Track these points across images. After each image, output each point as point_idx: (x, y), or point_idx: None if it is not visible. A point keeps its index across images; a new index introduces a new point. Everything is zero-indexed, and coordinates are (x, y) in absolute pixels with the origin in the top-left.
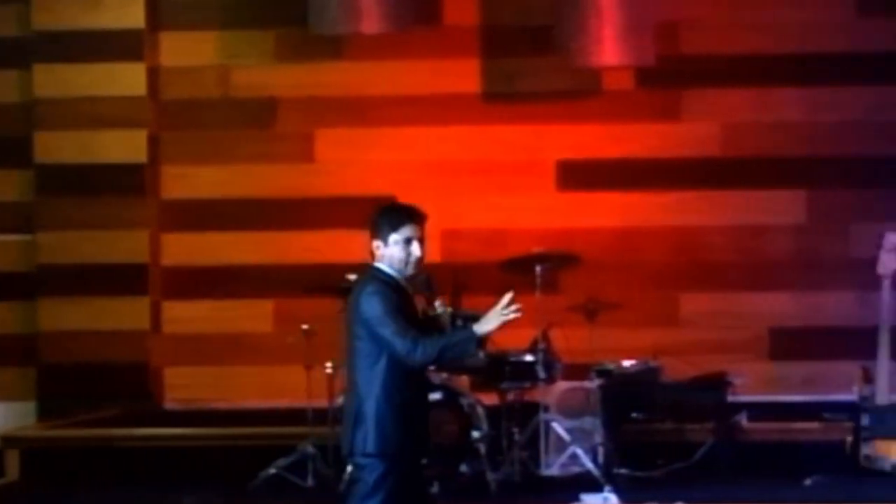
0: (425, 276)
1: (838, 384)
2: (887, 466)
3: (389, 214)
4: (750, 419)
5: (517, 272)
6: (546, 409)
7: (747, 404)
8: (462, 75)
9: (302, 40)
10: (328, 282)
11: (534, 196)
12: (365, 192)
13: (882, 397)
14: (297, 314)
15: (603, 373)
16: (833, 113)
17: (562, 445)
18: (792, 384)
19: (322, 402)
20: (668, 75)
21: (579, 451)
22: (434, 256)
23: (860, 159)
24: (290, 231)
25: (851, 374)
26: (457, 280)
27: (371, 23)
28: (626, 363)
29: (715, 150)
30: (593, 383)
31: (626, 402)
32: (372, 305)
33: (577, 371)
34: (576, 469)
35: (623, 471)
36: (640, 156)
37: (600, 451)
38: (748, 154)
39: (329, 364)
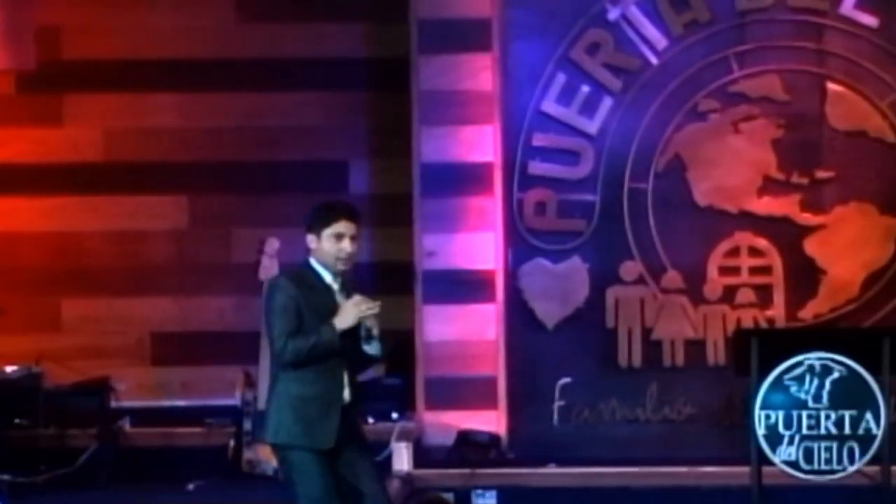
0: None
1: (220, 389)
2: (269, 470)
3: (324, 210)
4: (133, 424)
5: None
6: None
7: (130, 410)
8: None
9: None
10: None
11: None
12: None
13: (264, 402)
14: None
15: None
16: (211, 119)
17: None
18: (174, 389)
19: None
20: (50, 80)
21: None
22: None
23: (239, 165)
24: None
25: (233, 378)
26: None
27: None
28: (8, 369)
29: (97, 155)
30: None
31: (8, 408)
32: (267, 299)
33: None
34: None
35: (6, 477)
36: (21, 161)
37: None
38: (130, 159)
39: None
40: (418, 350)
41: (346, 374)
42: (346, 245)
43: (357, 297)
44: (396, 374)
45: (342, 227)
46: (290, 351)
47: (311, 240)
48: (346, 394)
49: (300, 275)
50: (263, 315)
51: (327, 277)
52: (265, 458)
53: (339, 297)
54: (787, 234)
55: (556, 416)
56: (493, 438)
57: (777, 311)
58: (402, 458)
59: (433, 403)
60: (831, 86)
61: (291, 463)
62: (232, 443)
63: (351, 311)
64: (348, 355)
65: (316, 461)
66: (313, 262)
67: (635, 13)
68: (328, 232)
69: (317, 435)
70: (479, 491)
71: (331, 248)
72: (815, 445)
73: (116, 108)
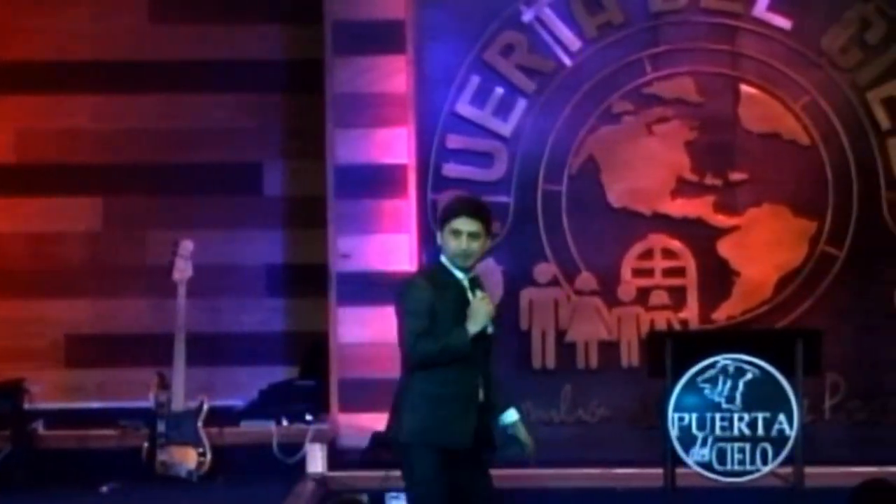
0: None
1: (135, 391)
2: (183, 473)
3: (448, 205)
4: (47, 427)
5: None
6: None
7: (44, 412)
8: None
9: None
10: None
11: None
12: None
13: (178, 404)
14: None
15: None
16: (126, 120)
17: None
18: (88, 391)
19: None
20: None
21: None
22: None
23: (154, 166)
24: None
25: (147, 380)
26: None
27: None
28: None
29: (10, 157)
30: None
31: None
32: (400, 299)
33: None
34: None
35: None
36: None
37: None
38: (44, 161)
39: None
40: (332, 352)
41: (481, 372)
42: (462, 242)
43: (480, 294)
44: (310, 376)
45: (459, 223)
46: (418, 353)
47: (438, 236)
48: (482, 393)
49: (433, 273)
50: (396, 315)
51: (458, 273)
52: (179, 459)
53: (470, 294)
54: (700, 236)
55: None
56: None
57: (690, 313)
58: (316, 460)
59: (347, 405)
60: (745, 88)
61: (419, 460)
62: (146, 445)
63: (481, 312)
64: (482, 353)
65: (443, 463)
66: (443, 258)
67: (549, 15)
68: (448, 228)
69: (454, 434)
70: (393, 493)
71: (449, 244)
72: (729, 447)
73: (29, 110)
